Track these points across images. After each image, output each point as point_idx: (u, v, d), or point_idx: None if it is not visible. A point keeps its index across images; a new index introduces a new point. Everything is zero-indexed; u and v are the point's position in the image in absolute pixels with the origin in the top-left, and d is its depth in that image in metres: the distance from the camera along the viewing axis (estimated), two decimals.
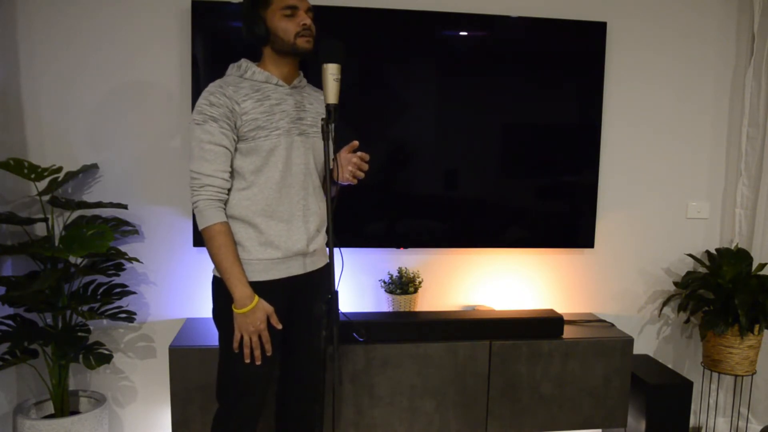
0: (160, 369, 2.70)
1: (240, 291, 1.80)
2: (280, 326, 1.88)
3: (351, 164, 1.95)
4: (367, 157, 1.96)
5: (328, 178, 1.81)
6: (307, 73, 2.00)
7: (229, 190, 1.85)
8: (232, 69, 1.91)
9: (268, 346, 1.85)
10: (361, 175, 1.97)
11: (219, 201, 1.82)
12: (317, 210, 1.96)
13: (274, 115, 1.85)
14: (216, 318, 1.94)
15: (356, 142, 1.97)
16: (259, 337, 1.84)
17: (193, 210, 1.83)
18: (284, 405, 2.08)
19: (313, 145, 1.94)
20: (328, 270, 1.76)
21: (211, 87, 1.83)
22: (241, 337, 1.83)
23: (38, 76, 2.50)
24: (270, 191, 1.86)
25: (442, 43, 2.65)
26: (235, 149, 1.84)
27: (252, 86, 1.85)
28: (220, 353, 1.94)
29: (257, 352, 1.84)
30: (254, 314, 1.81)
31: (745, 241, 2.97)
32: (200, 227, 1.81)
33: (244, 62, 1.90)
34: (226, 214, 1.84)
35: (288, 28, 1.83)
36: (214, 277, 1.92)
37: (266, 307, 1.84)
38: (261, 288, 1.85)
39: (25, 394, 2.60)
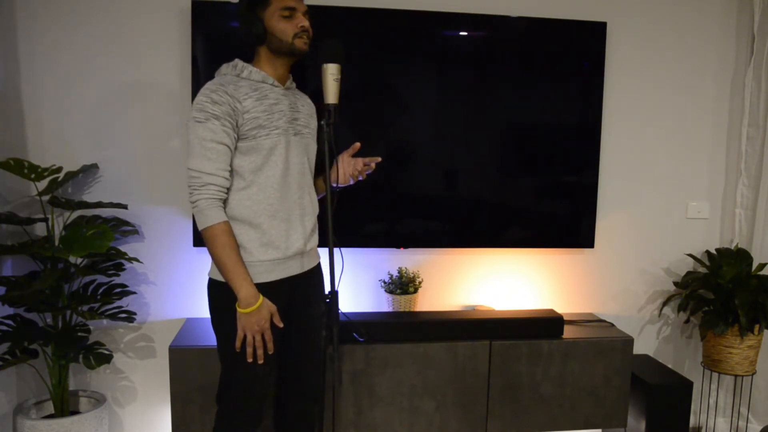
0: (160, 369, 2.70)
1: (245, 290, 1.80)
2: (281, 325, 1.88)
3: (354, 169, 1.96)
4: (372, 165, 1.97)
5: (328, 178, 1.81)
6: (305, 74, 2.00)
7: (229, 189, 1.85)
8: (227, 68, 1.90)
9: (270, 345, 1.86)
10: (362, 176, 1.98)
11: (220, 200, 1.81)
12: (312, 209, 1.98)
13: (273, 114, 1.86)
14: (216, 320, 1.93)
15: (358, 144, 1.97)
16: (262, 336, 1.84)
17: (192, 209, 1.82)
18: (284, 405, 2.08)
19: (307, 145, 1.96)
20: (322, 268, 1.76)
21: (211, 85, 1.82)
22: (244, 337, 1.83)
23: (38, 76, 2.50)
24: (271, 190, 1.86)
25: (442, 43, 2.65)
26: (235, 148, 1.83)
27: (250, 85, 1.85)
28: (221, 355, 1.93)
29: (260, 351, 1.84)
30: (259, 313, 1.81)
31: (745, 241, 2.97)
32: (201, 227, 1.80)
33: (239, 62, 1.90)
34: (226, 213, 1.84)
35: (286, 29, 1.84)
36: (211, 280, 1.92)
37: (270, 306, 1.85)
38: (263, 289, 1.85)
39: (25, 394, 2.60)
